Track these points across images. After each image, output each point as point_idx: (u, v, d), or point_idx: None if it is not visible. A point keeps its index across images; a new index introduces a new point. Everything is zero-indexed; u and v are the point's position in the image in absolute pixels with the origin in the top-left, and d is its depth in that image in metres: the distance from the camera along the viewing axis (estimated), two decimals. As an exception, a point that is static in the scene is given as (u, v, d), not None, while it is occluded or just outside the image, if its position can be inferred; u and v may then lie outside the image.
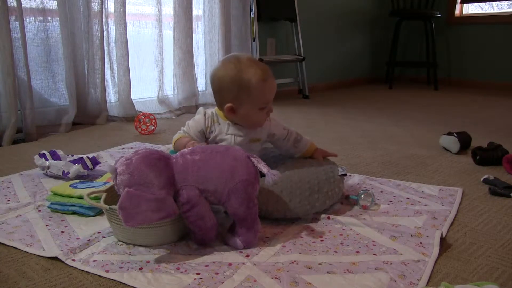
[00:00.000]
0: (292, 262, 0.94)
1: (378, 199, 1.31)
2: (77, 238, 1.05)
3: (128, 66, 2.49)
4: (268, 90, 1.16)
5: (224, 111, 1.18)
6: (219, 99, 1.19)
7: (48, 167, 1.48)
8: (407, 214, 1.21)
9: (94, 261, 0.94)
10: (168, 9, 2.73)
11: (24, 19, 2.08)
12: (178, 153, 1.03)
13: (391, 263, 0.94)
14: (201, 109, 1.26)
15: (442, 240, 1.04)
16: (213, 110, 1.23)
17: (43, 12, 2.22)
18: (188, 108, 2.85)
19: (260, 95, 1.14)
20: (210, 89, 3.07)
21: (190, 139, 1.18)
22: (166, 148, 1.35)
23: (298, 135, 1.29)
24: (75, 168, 1.45)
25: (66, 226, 1.12)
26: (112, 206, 0.98)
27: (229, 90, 1.15)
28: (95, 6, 2.32)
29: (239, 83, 1.13)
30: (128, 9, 2.48)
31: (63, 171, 1.45)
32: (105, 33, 2.40)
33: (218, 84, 1.17)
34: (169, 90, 2.82)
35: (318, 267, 0.93)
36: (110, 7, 2.42)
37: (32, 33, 2.19)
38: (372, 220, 1.16)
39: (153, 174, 0.94)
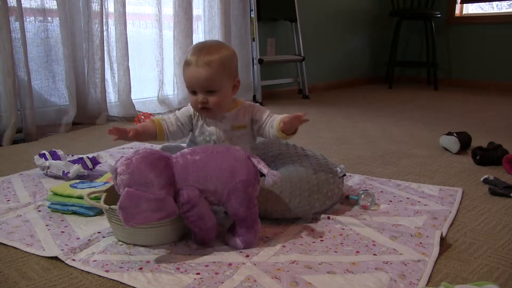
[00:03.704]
0: (292, 262, 0.94)
1: (378, 199, 1.31)
2: (77, 238, 1.05)
3: (128, 66, 2.49)
4: (187, 76, 1.16)
5: None
6: None
7: (48, 167, 1.48)
8: (407, 214, 1.21)
9: (94, 261, 0.94)
10: (168, 9, 2.73)
11: (24, 19, 2.08)
12: (178, 153, 1.03)
13: (391, 263, 0.94)
14: None
15: (442, 240, 1.04)
16: None
17: (43, 12, 2.22)
18: (188, 108, 2.85)
19: (184, 78, 1.18)
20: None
21: (148, 122, 1.22)
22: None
23: (273, 115, 1.21)
24: (75, 168, 1.45)
25: (66, 226, 1.12)
26: (112, 206, 0.98)
27: None
28: (95, 6, 2.32)
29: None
30: (128, 9, 2.48)
31: (63, 171, 1.45)
32: (105, 33, 2.40)
33: None
34: (169, 90, 2.82)
35: (318, 267, 0.93)
36: (110, 7, 2.42)
37: (32, 33, 2.19)
38: (372, 220, 1.16)
39: (153, 174, 0.94)
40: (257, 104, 1.25)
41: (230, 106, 1.20)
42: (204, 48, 1.15)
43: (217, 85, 1.14)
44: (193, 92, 1.16)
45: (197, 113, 1.21)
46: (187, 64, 1.15)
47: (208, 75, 1.12)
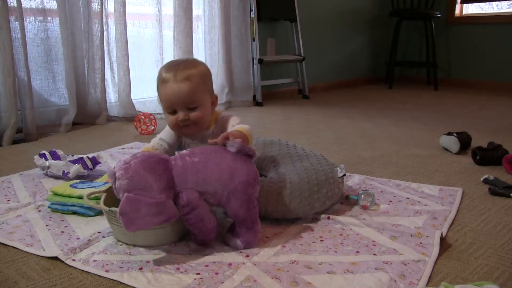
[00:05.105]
0: (292, 262, 0.94)
1: (378, 199, 1.31)
2: (77, 238, 1.05)
3: (128, 66, 2.49)
4: (166, 94, 1.09)
5: None
6: None
7: (48, 167, 1.48)
8: (407, 214, 1.21)
9: (94, 261, 0.94)
10: (168, 9, 2.73)
11: (24, 19, 2.08)
12: (177, 155, 1.03)
13: (391, 263, 0.94)
14: None
15: (442, 240, 1.04)
16: None
17: (43, 12, 2.22)
18: (188, 108, 2.84)
19: (161, 97, 1.12)
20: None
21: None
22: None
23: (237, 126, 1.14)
24: (75, 168, 1.45)
25: (66, 226, 1.12)
26: (112, 208, 0.98)
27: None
28: (95, 6, 2.32)
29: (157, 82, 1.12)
30: (128, 9, 2.48)
31: (63, 171, 1.45)
32: (105, 33, 2.40)
33: None
34: (169, 90, 2.81)
35: (318, 267, 0.93)
36: (110, 7, 2.42)
37: (32, 33, 2.19)
38: (372, 220, 1.16)
39: (153, 178, 0.94)
40: (231, 115, 1.19)
41: (209, 123, 1.17)
42: (180, 64, 1.10)
43: (199, 101, 1.09)
44: (172, 111, 1.11)
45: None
46: (163, 81, 1.08)
47: (190, 90, 1.07)
